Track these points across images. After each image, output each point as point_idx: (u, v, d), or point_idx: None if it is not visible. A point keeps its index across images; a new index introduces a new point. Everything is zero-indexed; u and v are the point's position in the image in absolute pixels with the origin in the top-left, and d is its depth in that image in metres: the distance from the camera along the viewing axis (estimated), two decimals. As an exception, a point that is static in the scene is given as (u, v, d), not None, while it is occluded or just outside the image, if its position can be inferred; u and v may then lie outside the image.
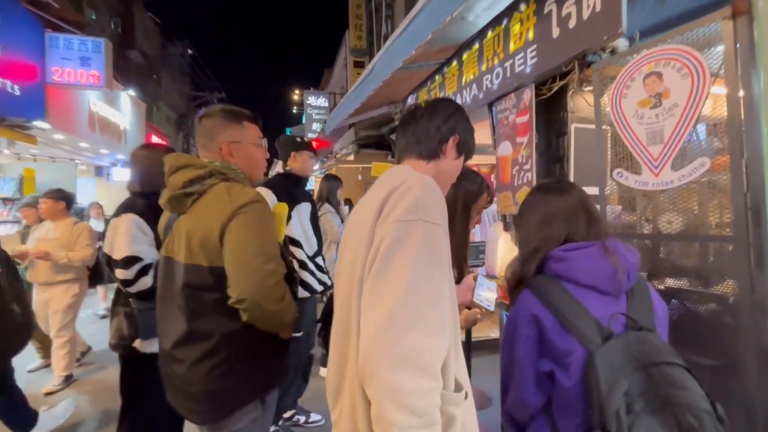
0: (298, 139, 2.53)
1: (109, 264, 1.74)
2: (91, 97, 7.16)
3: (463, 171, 1.52)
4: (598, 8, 1.70)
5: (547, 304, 0.97)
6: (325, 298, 3.10)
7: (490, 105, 2.64)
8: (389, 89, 3.91)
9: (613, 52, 1.86)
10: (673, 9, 1.77)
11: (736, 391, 1.21)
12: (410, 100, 4.23)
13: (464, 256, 1.43)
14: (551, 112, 2.22)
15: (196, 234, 1.16)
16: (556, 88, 2.05)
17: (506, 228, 2.52)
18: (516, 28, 2.25)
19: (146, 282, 1.68)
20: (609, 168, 1.61)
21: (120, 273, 1.68)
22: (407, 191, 0.79)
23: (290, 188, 2.36)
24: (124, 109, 9.00)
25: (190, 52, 22.86)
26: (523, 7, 2.22)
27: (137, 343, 1.73)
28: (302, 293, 2.34)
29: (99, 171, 9.57)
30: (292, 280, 1.33)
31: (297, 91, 16.57)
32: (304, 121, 11.91)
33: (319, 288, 2.41)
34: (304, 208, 2.39)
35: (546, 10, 2.03)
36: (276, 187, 2.27)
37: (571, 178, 2.07)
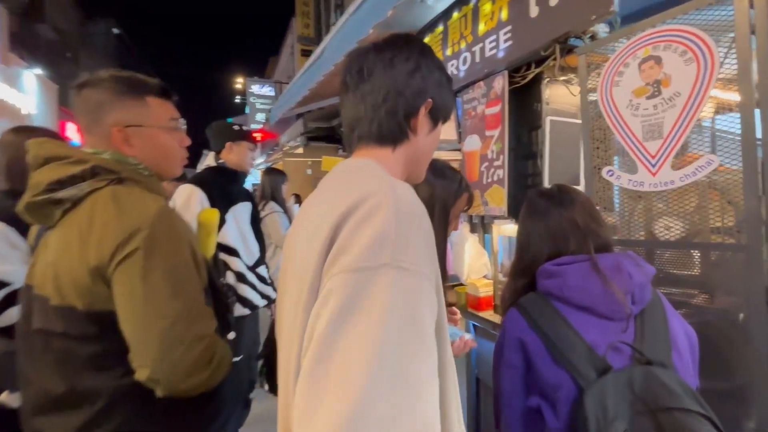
0: (236, 127, 2.12)
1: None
2: (-19, 74, 6.01)
3: (440, 167, 1.26)
4: (585, -17, 1.51)
5: (534, 326, 0.85)
6: (270, 313, 2.72)
7: (455, 95, 2.41)
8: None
9: (593, 38, 1.69)
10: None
11: (746, 423, 1.07)
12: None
13: (444, 272, 1.16)
14: (523, 104, 2.03)
15: (66, 266, 0.78)
16: (531, 76, 1.85)
17: (473, 230, 2.31)
18: (487, 6, 2.01)
19: (15, 314, 1.23)
20: (585, 165, 1.44)
21: (-27, 303, 1.21)
22: (370, 214, 0.49)
23: (225, 186, 1.96)
24: (28, 90, 7.74)
25: (116, 31, 20.64)
26: (494, -17, 2.00)
27: (4, 397, 1.28)
28: (242, 310, 1.96)
29: (-3, 162, 8.16)
30: (225, 311, 0.99)
31: (240, 79, 15.47)
32: (247, 111, 11.13)
33: (261, 303, 2.05)
34: (241, 209, 1.99)
35: (522, -13, 1.81)
36: (207, 184, 1.86)
37: (545, 177, 1.89)
